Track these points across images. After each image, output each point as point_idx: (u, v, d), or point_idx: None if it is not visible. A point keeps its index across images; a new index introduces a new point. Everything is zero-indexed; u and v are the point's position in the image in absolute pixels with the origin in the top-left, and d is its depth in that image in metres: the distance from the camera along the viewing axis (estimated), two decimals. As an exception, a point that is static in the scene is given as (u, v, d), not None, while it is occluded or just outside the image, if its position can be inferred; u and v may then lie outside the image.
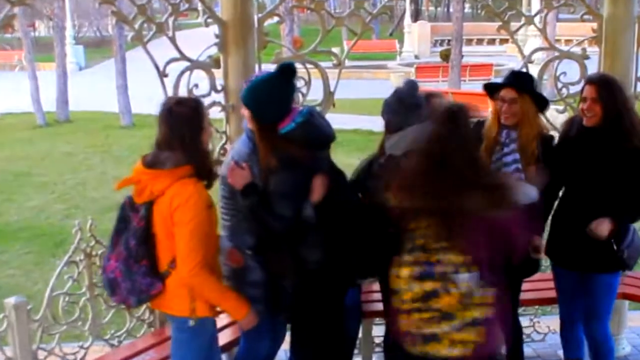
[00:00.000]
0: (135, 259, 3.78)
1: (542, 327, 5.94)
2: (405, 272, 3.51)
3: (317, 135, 4.02)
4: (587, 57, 5.30)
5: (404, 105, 4.09)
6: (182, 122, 3.73)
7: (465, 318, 3.43)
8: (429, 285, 3.44)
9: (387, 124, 4.16)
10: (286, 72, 3.98)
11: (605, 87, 4.38)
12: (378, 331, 5.51)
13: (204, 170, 3.79)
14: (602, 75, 4.74)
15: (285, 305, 4.14)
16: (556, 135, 4.73)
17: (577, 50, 5.46)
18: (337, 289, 4.18)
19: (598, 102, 4.34)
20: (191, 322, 3.82)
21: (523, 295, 4.88)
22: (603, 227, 4.31)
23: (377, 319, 5.35)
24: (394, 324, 3.62)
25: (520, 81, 4.50)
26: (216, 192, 4.08)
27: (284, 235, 3.95)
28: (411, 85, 4.20)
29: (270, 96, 3.95)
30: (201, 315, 3.83)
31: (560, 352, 5.23)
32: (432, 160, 3.42)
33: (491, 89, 4.56)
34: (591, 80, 4.49)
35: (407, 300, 3.49)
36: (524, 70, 5.13)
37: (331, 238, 3.95)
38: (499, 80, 4.64)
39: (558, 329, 5.02)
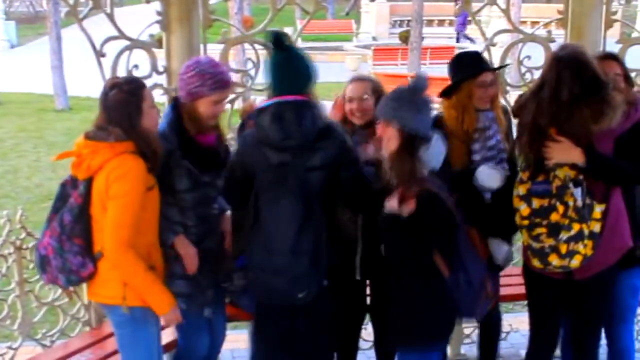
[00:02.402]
0: (68, 236, 3.79)
1: (504, 326, 6.00)
2: (523, 189, 4.03)
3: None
4: (553, 40, 5.34)
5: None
6: (117, 107, 3.75)
7: (577, 230, 3.93)
8: (546, 201, 3.96)
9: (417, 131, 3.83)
10: (272, 41, 3.98)
11: (622, 63, 4.47)
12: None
13: (147, 150, 3.78)
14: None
15: (208, 301, 4.28)
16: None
17: (542, 32, 5.51)
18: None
19: (623, 79, 4.37)
20: (123, 310, 3.81)
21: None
22: None
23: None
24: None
25: (485, 61, 4.59)
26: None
27: None
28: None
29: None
30: (133, 303, 3.80)
31: (523, 352, 5.29)
32: (546, 88, 3.98)
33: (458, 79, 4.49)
34: (612, 56, 4.53)
35: (526, 216, 4.01)
36: (479, 53, 5.21)
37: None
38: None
39: (520, 327, 5.07)
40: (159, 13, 4.78)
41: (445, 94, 4.52)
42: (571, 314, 4.40)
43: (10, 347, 4.79)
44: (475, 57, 4.66)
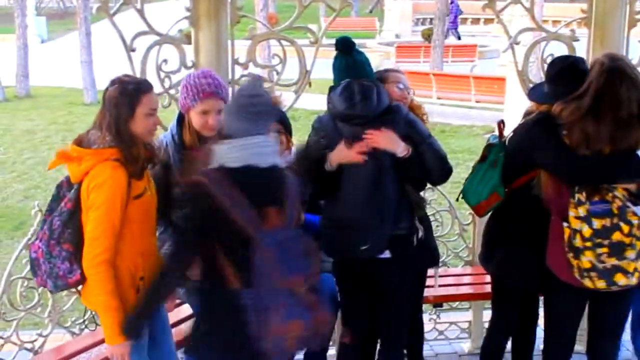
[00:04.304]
0: (57, 241, 3.70)
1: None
2: (583, 210, 3.90)
3: None
4: (577, 39, 5.30)
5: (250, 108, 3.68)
6: (110, 104, 3.70)
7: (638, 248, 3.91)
8: (608, 221, 3.87)
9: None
10: (337, 46, 4.26)
11: None
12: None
13: (129, 157, 3.68)
14: None
15: None
16: None
17: (565, 31, 5.48)
18: None
19: None
20: None
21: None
22: None
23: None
24: (566, 266, 3.98)
25: None
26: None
27: None
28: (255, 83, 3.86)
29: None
30: None
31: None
32: (600, 106, 3.89)
33: None
34: None
35: (589, 237, 3.89)
36: (509, 51, 5.20)
37: None
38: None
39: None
40: (187, 9, 4.78)
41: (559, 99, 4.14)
42: (593, 322, 4.35)
43: (40, 334, 4.82)
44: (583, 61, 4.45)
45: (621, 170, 3.93)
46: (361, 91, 4.10)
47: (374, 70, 4.38)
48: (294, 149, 4.77)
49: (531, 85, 5.04)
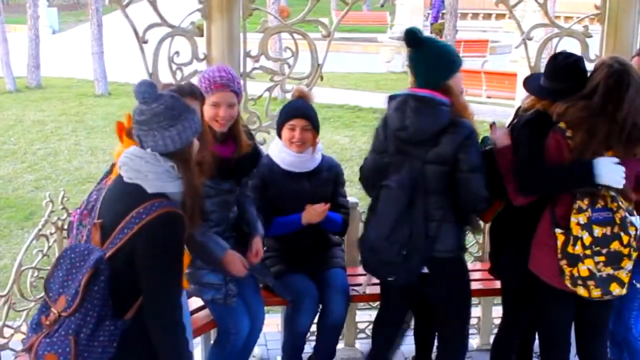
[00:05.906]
0: (89, 212, 3.71)
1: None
2: (583, 218, 3.88)
3: None
4: (590, 36, 5.28)
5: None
6: None
7: (635, 259, 3.93)
8: (608, 229, 3.86)
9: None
10: (406, 39, 4.08)
11: None
12: (362, 317, 5.52)
13: None
14: None
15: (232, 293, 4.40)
16: None
17: (578, 27, 5.45)
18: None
19: None
20: None
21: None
22: None
23: (362, 304, 5.35)
24: (557, 273, 3.96)
25: None
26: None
27: None
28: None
29: None
30: None
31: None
32: (607, 107, 3.86)
33: None
34: None
35: (589, 244, 3.86)
36: (522, 46, 5.20)
37: None
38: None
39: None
40: (200, 1, 4.78)
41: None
42: (580, 325, 4.32)
43: (49, 325, 4.83)
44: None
45: (571, 184, 3.95)
46: (415, 112, 3.97)
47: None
48: (320, 145, 4.77)
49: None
